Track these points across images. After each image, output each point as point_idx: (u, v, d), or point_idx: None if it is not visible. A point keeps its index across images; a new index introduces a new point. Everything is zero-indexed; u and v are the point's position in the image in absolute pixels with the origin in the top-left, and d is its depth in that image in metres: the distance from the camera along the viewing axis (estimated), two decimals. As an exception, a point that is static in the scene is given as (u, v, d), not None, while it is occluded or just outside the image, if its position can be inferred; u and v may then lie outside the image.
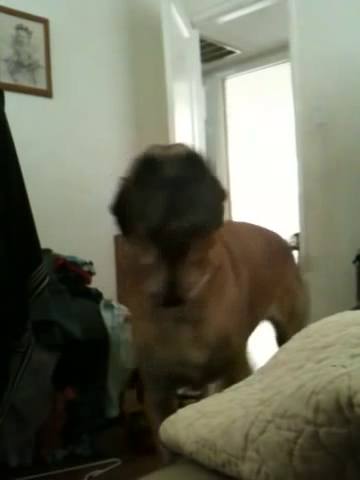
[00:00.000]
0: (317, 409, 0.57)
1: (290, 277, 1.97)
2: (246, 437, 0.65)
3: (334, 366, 0.65)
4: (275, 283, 1.87)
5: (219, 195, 1.40)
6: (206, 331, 1.42)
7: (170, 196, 1.21)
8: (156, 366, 1.47)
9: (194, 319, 1.41)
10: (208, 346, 1.42)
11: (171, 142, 3.52)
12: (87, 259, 2.71)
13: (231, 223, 2.01)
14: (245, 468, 0.64)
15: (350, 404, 0.55)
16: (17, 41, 3.19)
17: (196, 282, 1.39)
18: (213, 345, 1.42)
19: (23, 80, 3.21)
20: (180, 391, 2.85)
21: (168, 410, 1.40)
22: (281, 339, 1.86)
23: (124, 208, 1.39)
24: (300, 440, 0.58)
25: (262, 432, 0.63)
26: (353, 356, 0.68)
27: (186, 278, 1.37)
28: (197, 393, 2.77)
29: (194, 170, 1.28)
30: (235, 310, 1.49)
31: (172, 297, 1.38)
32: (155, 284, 1.37)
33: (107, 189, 4.12)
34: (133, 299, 1.54)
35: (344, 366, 0.63)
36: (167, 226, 1.23)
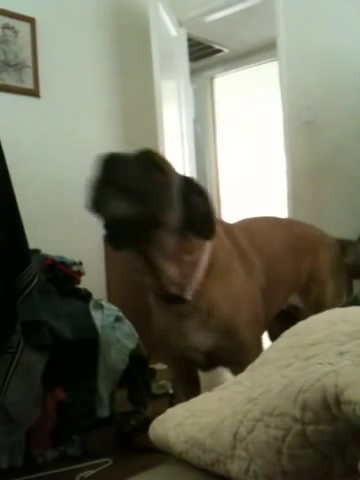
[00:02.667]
0: (304, 407, 0.57)
1: (319, 268, 2.00)
2: (235, 436, 0.65)
3: (321, 364, 0.65)
4: (298, 273, 1.93)
5: (167, 188, 1.39)
6: (209, 322, 1.49)
7: (109, 184, 1.27)
8: (169, 349, 1.63)
9: (197, 312, 1.48)
10: (211, 335, 1.50)
11: (159, 141, 3.52)
12: (76, 259, 2.70)
13: (248, 219, 2.05)
14: (234, 467, 0.64)
15: (337, 402, 0.55)
16: (3, 40, 3.17)
17: (190, 279, 1.44)
18: (217, 334, 1.50)
19: (10, 80, 3.19)
20: (171, 390, 2.86)
21: (191, 386, 1.65)
22: None
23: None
24: (288, 438, 0.58)
25: (250, 431, 0.63)
26: (340, 354, 0.68)
27: (166, 277, 1.41)
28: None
29: (142, 166, 1.32)
30: (241, 300, 1.56)
31: (170, 295, 1.45)
32: (143, 279, 1.46)
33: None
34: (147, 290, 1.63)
35: (331, 364, 0.64)
36: (106, 211, 1.31)
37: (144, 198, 1.28)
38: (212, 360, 1.58)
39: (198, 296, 1.46)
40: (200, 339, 1.51)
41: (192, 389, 1.64)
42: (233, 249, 1.61)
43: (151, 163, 1.36)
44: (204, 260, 1.47)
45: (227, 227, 1.69)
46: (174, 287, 1.43)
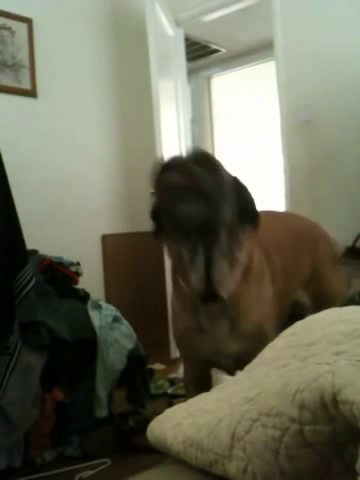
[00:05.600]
0: (302, 407, 0.57)
1: (321, 263, 1.99)
2: (232, 436, 0.65)
3: (319, 364, 0.65)
4: (301, 270, 1.92)
5: (226, 187, 1.44)
6: (241, 326, 1.50)
7: (180, 193, 1.31)
8: (192, 353, 1.61)
9: (229, 314, 1.48)
10: (242, 339, 1.50)
11: (157, 141, 3.52)
12: (74, 259, 2.70)
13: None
14: (232, 467, 0.64)
15: (334, 401, 0.55)
16: (0, 41, 3.17)
17: (230, 279, 1.46)
18: (247, 338, 1.50)
19: (7, 80, 3.19)
20: (170, 390, 2.86)
21: (204, 385, 1.61)
22: None
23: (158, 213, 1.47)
24: (285, 438, 0.58)
25: (248, 431, 0.63)
26: (338, 353, 0.68)
27: (219, 274, 1.43)
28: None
29: (205, 170, 1.36)
30: (268, 303, 1.56)
31: (208, 294, 1.45)
32: (191, 280, 1.45)
33: (93, 188, 4.13)
34: (175, 290, 1.62)
35: (328, 364, 0.64)
36: (181, 217, 1.33)
37: (211, 199, 1.34)
38: (238, 363, 1.57)
39: (233, 297, 1.46)
40: (228, 342, 1.51)
41: (204, 389, 1.63)
42: (260, 252, 1.61)
43: (210, 164, 1.41)
44: (242, 259, 1.48)
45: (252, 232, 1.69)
46: (220, 285, 1.44)
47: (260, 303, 1.52)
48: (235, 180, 1.51)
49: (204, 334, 1.52)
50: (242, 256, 1.48)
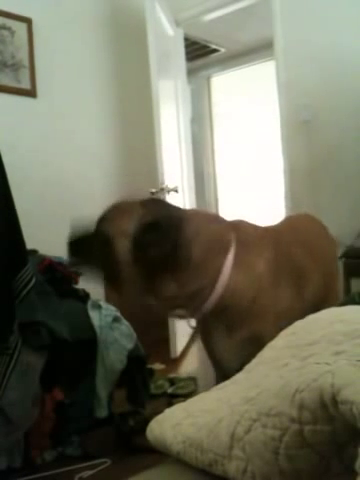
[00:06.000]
0: (301, 407, 0.57)
1: (334, 277, 1.93)
2: (232, 436, 0.65)
3: (318, 364, 0.65)
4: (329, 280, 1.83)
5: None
6: (236, 336, 1.49)
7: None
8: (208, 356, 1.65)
9: (222, 325, 1.49)
10: (239, 350, 1.48)
11: (156, 141, 3.51)
12: (74, 259, 2.70)
13: (296, 221, 1.98)
14: (231, 467, 0.64)
15: (334, 401, 0.55)
16: (0, 41, 3.17)
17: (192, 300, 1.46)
18: (244, 350, 1.45)
19: (7, 80, 3.19)
20: (170, 390, 2.86)
21: None
22: None
23: None
24: (285, 438, 0.58)
25: (248, 431, 0.63)
26: (337, 353, 0.68)
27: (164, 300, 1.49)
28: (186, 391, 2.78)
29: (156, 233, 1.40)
30: (273, 313, 1.50)
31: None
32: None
33: (93, 188, 4.13)
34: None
35: (328, 363, 0.64)
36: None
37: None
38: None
39: (217, 312, 1.46)
40: (226, 355, 1.52)
41: None
42: (275, 265, 1.52)
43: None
44: (218, 286, 1.44)
45: (276, 238, 1.60)
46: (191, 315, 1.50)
47: (257, 312, 1.47)
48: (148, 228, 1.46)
49: (207, 342, 1.57)
50: (205, 283, 1.44)
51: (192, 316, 1.54)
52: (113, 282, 1.51)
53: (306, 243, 1.70)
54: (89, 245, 1.54)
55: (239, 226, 1.58)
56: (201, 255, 1.42)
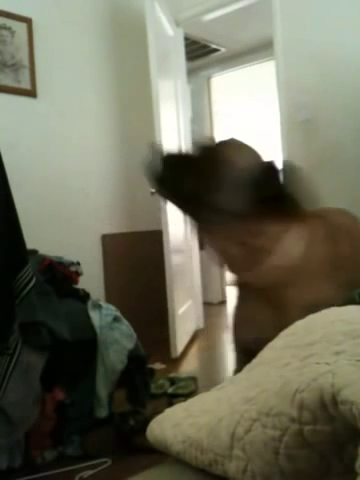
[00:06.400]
0: (301, 407, 0.57)
1: None
2: (232, 436, 0.65)
3: (318, 364, 0.65)
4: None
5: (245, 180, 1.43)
6: (286, 314, 1.42)
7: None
8: (239, 341, 1.59)
9: (272, 301, 1.42)
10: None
11: (157, 140, 3.52)
12: (74, 259, 2.71)
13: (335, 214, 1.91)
14: (231, 467, 0.64)
15: (334, 401, 0.55)
16: (0, 41, 3.17)
17: (253, 266, 1.42)
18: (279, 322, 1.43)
19: (7, 80, 3.19)
20: (170, 390, 2.86)
21: None
22: None
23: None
24: (285, 438, 0.58)
25: (248, 431, 0.63)
26: (337, 353, 0.68)
27: (230, 261, 1.43)
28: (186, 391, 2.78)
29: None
30: (325, 293, 1.44)
31: (236, 276, 1.45)
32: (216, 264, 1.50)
33: (93, 188, 4.13)
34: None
35: (328, 363, 0.64)
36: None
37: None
38: None
39: (271, 285, 1.40)
40: (271, 335, 1.47)
41: None
42: (329, 253, 1.49)
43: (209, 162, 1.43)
44: (281, 249, 1.42)
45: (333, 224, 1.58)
46: (237, 271, 1.43)
47: (309, 291, 1.41)
48: (266, 168, 1.46)
49: (250, 321, 1.48)
50: (277, 246, 1.41)
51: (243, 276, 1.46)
52: (210, 209, 1.42)
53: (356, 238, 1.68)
54: (192, 165, 1.44)
55: (328, 212, 1.60)
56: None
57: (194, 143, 1.52)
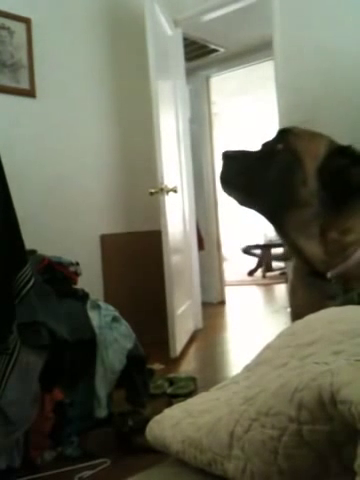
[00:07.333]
0: (300, 406, 0.57)
1: None
2: (231, 435, 0.65)
3: (317, 363, 0.65)
4: None
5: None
6: None
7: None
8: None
9: (340, 294, 1.36)
10: None
11: (156, 141, 3.52)
12: (73, 259, 2.71)
13: None
14: (230, 466, 0.64)
15: (333, 401, 0.55)
16: (-1, 41, 3.17)
17: (333, 256, 1.37)
18: None
19: (6, 80, 3.19)
20: (169, 390, 2.86)
21: None
22: None
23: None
24: (284, 438, 0.58)
25: (247, 430, 0.63)
26: (336, 353, 0.69)
27: (308, 251, 1.39)
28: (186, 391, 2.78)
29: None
30: None
31: (311, 270, 1.41)
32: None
33: (92, 188, 4.13)
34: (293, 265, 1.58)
35: (327, 363, 0.64)
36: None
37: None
38: None
39: (346, 281, 1.34)
40: None
41: None
42: None
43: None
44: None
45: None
46: (318, 264, 1.38)
47: None
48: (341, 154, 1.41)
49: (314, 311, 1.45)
50: (346, 237, 1.35)
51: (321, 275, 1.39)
52: (281, 205, 1.40)
53: None
54: (260, 159, 1.46)
55: None
56: None
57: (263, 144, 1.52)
